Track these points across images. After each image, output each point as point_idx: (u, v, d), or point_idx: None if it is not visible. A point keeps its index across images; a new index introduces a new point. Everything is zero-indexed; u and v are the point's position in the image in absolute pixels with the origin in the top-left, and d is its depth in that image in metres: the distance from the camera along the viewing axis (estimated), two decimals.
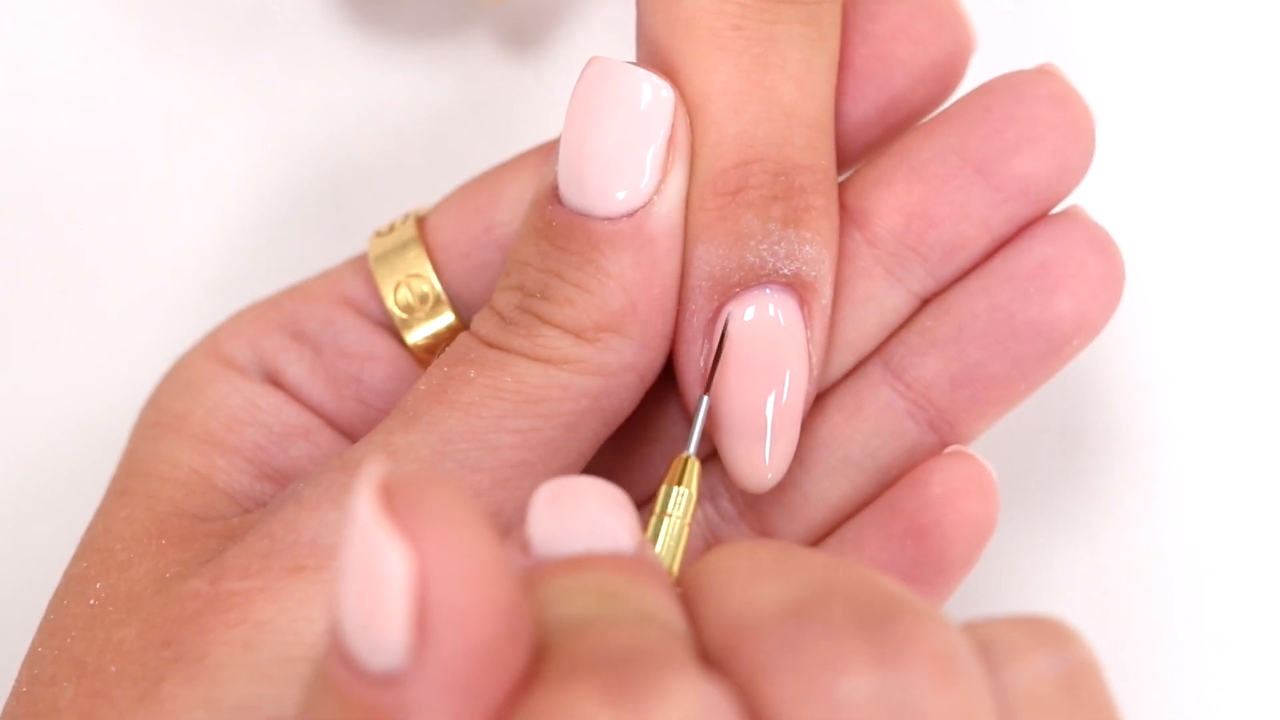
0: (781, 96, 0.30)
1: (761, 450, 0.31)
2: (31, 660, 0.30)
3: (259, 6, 0.43)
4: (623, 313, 0.30)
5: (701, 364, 0.31)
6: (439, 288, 0.33)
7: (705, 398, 0.31)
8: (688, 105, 0.30)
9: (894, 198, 0.32)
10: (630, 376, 0.30)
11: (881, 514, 0.32)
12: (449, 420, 0.29)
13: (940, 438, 0.32)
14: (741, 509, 0.33)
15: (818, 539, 0.33)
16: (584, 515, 0.25)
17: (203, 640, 0.28)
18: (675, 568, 0.30)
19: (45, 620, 0.31)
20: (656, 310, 0.30)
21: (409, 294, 0.33)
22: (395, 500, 0.21)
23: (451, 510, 0.21)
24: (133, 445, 0.33)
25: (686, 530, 0.30)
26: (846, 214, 0.32)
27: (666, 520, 0.30)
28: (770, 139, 0.30)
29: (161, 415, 0.33)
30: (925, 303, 0.32)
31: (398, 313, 0.33)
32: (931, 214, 0.31)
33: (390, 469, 0.21)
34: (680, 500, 0.30)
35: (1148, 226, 0.42)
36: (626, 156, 0.30)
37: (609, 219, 0.30)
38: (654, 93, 0.30)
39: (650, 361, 0.31)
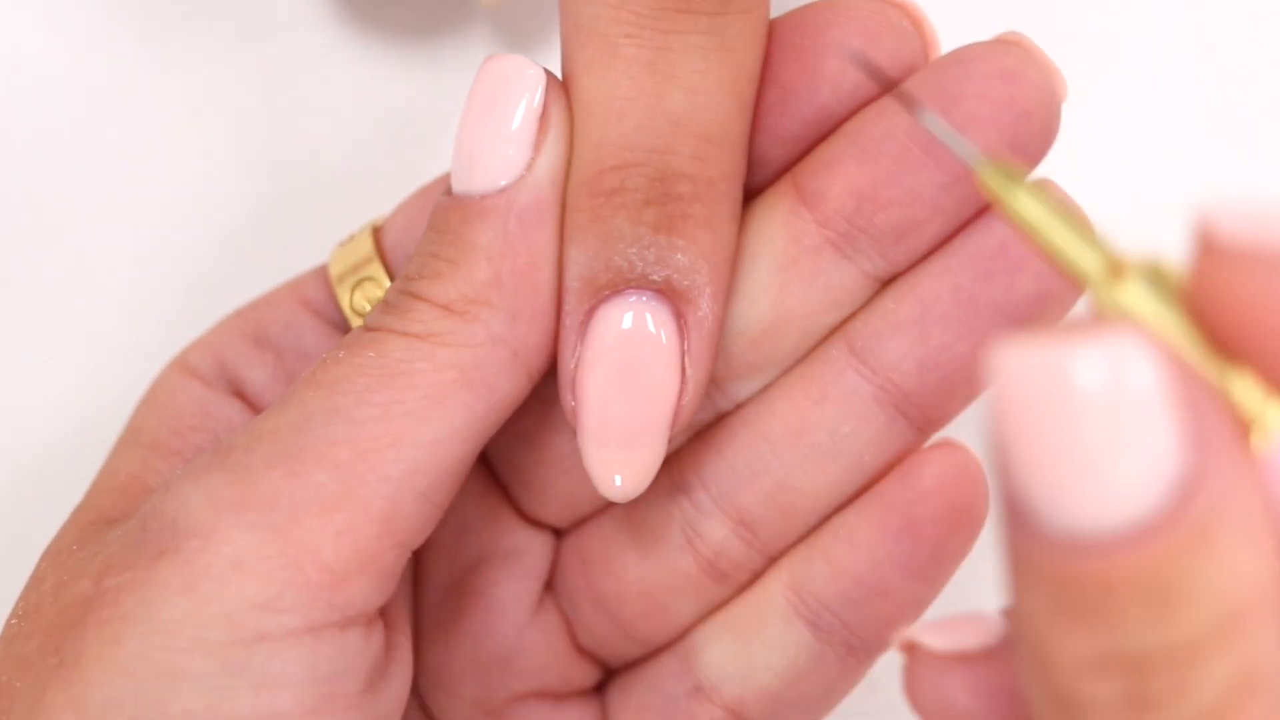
0: (670, 105, 0.30)
1: (616, 458, 0.30)
2: None
3: (258, 6, 0.43)
4: (488, 283, 0.29)
5: (573, 367, 0.30)
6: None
7: None
8: (577, 109, 0.30)
9: (845, 180, 0.31)
10: (502, 350, 0.30)
11: (873, 508, 0.31)
12: (314, 400, 0.29)
13: (910, 423, 0.31)
14: (717, 499, 0.32)
15: (803, 532, 0.32)
16: None
17: (82, 642, 0.27)
18: None
19: None
20: (525, 281, 0.30)
21: (363, 298, 0.33)
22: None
23: None
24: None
25: None
26: (798, 195, 0.31)
27: None
28: (652, 146, 0.30)
29: (125, 431, 0.33)
30: (886, 285, 0.31)
31: (353, 317, 0.33)
32: (881, 196, 0.31)
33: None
34: None
35: (1130, 205, 0.40)
36: (497, 134, 0.30)
37: (483, 196, 0.30)
38: (519, 70, 0.30)
39: (524, 336, 0.30)
